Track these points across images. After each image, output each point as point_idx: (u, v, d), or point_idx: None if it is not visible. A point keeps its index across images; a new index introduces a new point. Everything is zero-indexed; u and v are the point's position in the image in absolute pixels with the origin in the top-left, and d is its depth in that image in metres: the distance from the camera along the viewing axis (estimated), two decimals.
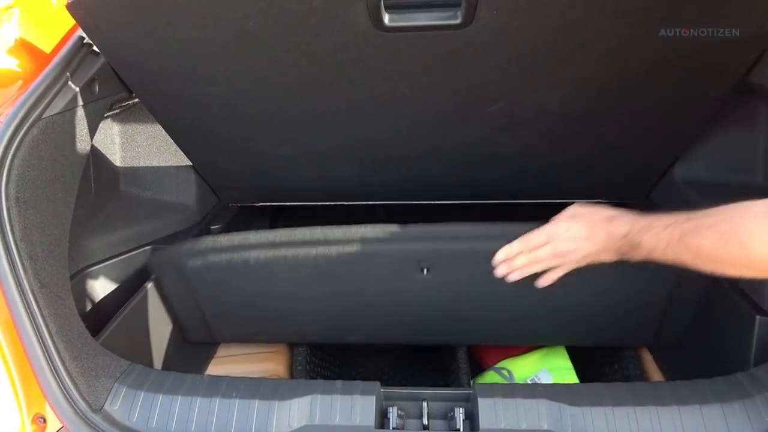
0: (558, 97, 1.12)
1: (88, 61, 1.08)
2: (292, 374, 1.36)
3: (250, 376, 1.37)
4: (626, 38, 0.96)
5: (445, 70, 1.05)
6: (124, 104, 1.33)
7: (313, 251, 1.15)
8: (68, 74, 1.03)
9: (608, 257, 0.97)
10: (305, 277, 1.19)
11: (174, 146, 1.43)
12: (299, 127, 1.26)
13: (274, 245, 1.16)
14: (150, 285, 1.27)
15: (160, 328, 1.30)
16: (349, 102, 1.16)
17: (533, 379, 1.43)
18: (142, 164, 1.46)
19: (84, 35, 1.04)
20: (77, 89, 1.04)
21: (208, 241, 1.22)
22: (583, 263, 1.01)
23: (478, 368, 1.57)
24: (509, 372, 1.48)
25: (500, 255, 1.07)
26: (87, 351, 0.93)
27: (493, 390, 0.88)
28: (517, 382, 1.45)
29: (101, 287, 1.27)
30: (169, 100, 1.18)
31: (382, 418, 0.89)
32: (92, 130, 1.10)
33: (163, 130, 1.34)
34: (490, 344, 1.53)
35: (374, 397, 0.87)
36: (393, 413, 0.88)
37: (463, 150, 1.35)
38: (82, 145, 1.08)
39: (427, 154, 1.37)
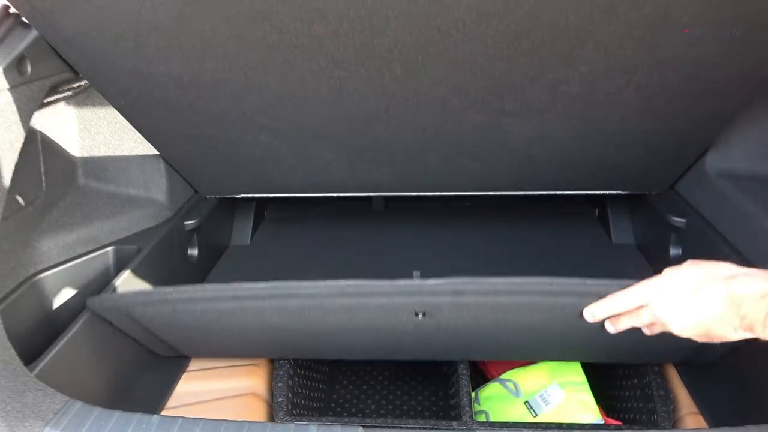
0: (578, 77, 0.95)
1: (16, 35, 0.91)
2: (272, 390, 1.21)
3: (226, 393, 1.24)
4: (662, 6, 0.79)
5: (441, 46, 0.87)
6: (76, 85, 1.16)
7: (286, 303, 0.97)
8: None
9: (727, 331, 0.73)
10: (280, 321, 1.02)
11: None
12: (274, 111, 1.09)
13: (236, 299, 0.97)
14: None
15: (114, 346, 1.13)
16: (331, 83, 0.98)
17: (542, 394, 1.28)
18: (103, 153, 1.29)
19: (8, 3, 0.87)
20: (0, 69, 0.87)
21: (156, 294, 1.02)
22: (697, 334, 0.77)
23: (481, 377, 1.42)
24: (515, 385, 1.33)
25: (591, 316, 0.89)
26: (14, 386, 0.78)
27: None
28: (524, 396, 1.30)
29: (55, 295, 1.12)
30: (121, 80, 1.01)
31: None
32: (25, 118, 0.93)
33: None
34: (494, 359, 1.40)
35: None
36: None
37: (464, 138, 1.17)
38: (12, 135, 0.91)
39: (423, 141, 1.19)
